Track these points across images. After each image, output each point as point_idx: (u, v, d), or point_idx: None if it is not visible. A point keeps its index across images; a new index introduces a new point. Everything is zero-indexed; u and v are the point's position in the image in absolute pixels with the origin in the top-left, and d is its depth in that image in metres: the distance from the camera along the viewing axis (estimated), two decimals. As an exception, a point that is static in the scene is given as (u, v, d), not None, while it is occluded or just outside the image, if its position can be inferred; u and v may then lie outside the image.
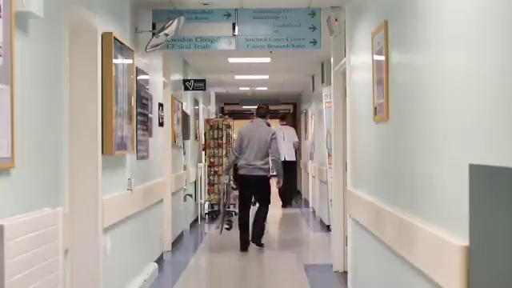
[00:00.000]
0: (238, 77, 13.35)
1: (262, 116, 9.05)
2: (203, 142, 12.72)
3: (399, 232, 3.53)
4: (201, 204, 11.93)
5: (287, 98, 18.46)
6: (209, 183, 12.43)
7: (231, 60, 10.71)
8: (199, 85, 10.38)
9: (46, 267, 3.23)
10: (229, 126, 12.64)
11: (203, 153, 12.71)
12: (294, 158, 14.69)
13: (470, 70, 2.42)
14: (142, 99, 6.17)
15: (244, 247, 8.58)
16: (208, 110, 14.71)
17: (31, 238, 3.05)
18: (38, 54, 3.42)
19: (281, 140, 12.91)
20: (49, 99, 3.60)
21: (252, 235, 8.71)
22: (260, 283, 7.04)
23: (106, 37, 4.86)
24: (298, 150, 15.55)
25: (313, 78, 12.82)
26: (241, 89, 16.21)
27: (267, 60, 10.65)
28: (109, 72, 4.85)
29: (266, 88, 15.93)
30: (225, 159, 12.42)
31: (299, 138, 16.19)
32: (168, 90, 8.45)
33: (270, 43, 6.57)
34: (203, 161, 12.60)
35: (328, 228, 9.17)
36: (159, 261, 7.35)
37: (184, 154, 9.99)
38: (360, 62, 5.30)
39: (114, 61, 4.94)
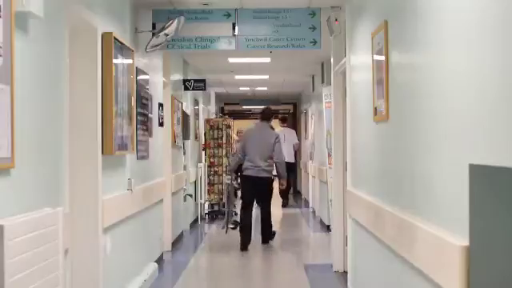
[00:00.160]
0: (237, 77, 13.36)
1: (266, 119, 9.16)
2: (203, 142, 12.72)
3: (399, 232, 3.53)
4: (201, 204, 11.93)
5: (287, 98, 18.46)
6: (209, 183, 12.43)
7: (231, 60, 10.71)
8: (199, 85, 10.38)
9: (46, 267, 3.23)
10: (229, 126, 12.64)
11: (203, 153, 12.71)
12: (293, 160, 14.85)
13: (469, 70, 2.42)
14: (142, 99, 6.17)
15: (244, 246, 8.64)
16: (208, 109, 14.71)
17: (31, 238, 3.05)
18: (38, 54, 3.42)
19: (281, 142, 12.99)
20: (49, 99, 3.60)
21: (262, 235, 9.00)
22: (260, 283, 7.04)
23: (105, 37, 4.86)
24: (297, 152, 15.70)
25: (313, 78, 12.82)
26: (241, 89, 16.21)
27: (267, 60, 10.65)
28: (109, 72, 4.85)
29: (265, 88, 15.93)
30: (225, 159, 12.43)
31: (299, 138, 16.23)
32: (168, 90, 8.45)
33: (270, 43, 6.57)
34: (203, 161, 12.60)
35: (328, 228, 9.17)
36: (159, 261, 7.35)
37: (184, 154, 9.99)
38: (360, 61, 5.30)
39: (114, 61, 4.94)
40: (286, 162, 13.91)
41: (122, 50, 5.24)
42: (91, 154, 4.61)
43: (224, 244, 9.35)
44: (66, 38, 3.94)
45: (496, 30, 2.15)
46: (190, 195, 10.64)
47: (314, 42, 6.55)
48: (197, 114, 12.23)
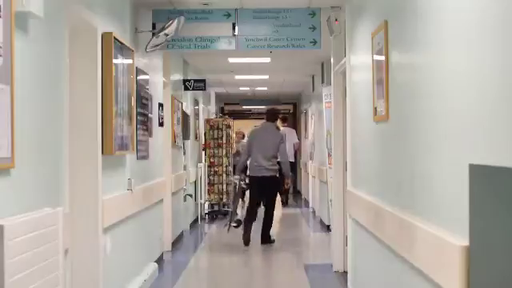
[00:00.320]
0: (237, 77, 13.36)
1: (272, 119, 9.33)
2: (203, 142, 12.72)
3: (399, 232, 3.53)
4: (201, 204, 11.93)
5: (287, 98, 18.46)
6: (209, 183, 12.43)
7: (231, 60, 10.71)
8: (199, 85, 10.38)
9: (46, 267, 3.23)
10: (229, 126, 12.64)
11: (203, 153, 12.71)
12: (293, 159, 14.90)
13: (470, 70, 2.42)
14: (142, 99, 6.17)
15: (247, 242, 8.89)
16: (208, 109, 14.71)
17: (31, 238, 3.05)
18: (38, 54, 3.42)
19: None
20: (49, 99, 3.60)
21: (261, 236, 9.10)
22: (260, 283, 7.04)
23: (105, 37, 4.86)
24: (298, 151, 15.75)
25: (313, 78, 12.82)
26: (241, 89, 16.21)
27: (267, 60, 10.65)
28: (109, 72, 4.85)
29: (265, 88, 15.93)
30: (225, 159, 12.43)
31: (299, 137, 16.24)
32: (168, 90, 8.45)
33: (270, 43, 6.57)
34: (203, 161, 12.60)
35: (328, 228, 9.17)
36: (159, 261, 7.35)
37: (184, 154, 9.99)
38: (360, 61, 5.30)
39: (114, 61, 4.94)
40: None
41: (122, 50, 5.24)
42: (91, 154, 4.61)
43: (224, 244, 9.35)
44: (65, 38, 3.94)
45: (496, 30, 2.15)
46: (190, 195, 10.64)
47: (314, 42, 6.55)
48: (197, 114, 12.23)
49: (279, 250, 8.72)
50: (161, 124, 7.59)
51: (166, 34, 6.13)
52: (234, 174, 12.56)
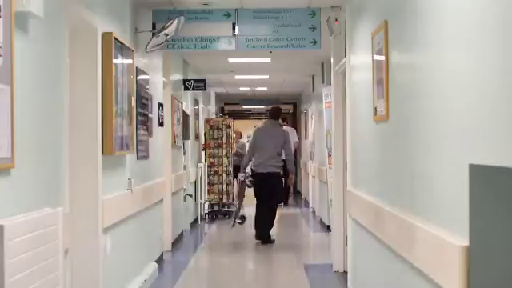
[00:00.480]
0: (237, 77, 13.36)
1: (275, 117, 9.53)
2: (203, 142, 12.72)
3: (399, 232, 3.53)
4: (201, 204, 11.93)
5: (287, 98, 18.46)
6: (209, 183, 12.43)
7: (231, 60, 10.71)
8: (199, 85, 10.38)
9: (46, 267, 3.23)
10: (229, 126, 12.64)
11: (203, 153, 12.71)
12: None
13: (470, 70, 2.42)
14: (142, 99, 6.17)
15: (259, 236, 9.16)
16: (208, 109, 14.71)
17: (31, 238, 3.05)
18: (38, 54, 3.42)
19: None
20: (49, 99, 3.60)
21: (261, 236, 9.21)
22: (260, 283, 7.04)
23: (105, 37, 4.86)
24: (297, 150, 15.76)
25: (313, 78, 12.82)
26: (241, 89, 16.21)
27: (267, 60, 10.65)
28: (109, 72, 4.85)
29: (265, 88, 15.93)
30: (225, 159, 12.44)
31: (299, 137, 16.24)
32: (168, 90, 8.45)
33: (270, 43, 6.57)
34: (203, 161, 12.60)
35: (328, 228, 9.17)
36: (159, 261, 7.35)
37: (184, 154, 9.99)
38: (360, 62, 5.30)
39: (114, 61, 4.94)
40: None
41: (122, 49, 5.24)
42: (91, 154, 4.61)
43: (224, 244, 9.35)
44: (65, 38, 3.94)
45: (496, 30, 2.15)
46: (190, 195, 10.64)
47: (314, 42, 6.55)
48: (197, 114, 12.23)
49: (279, 250, 8.72)
50: (161, 124, 7.59)
51: (166, 34, 6.13)
52: (234, 172, 12.73)
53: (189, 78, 10.49)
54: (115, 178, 5.26)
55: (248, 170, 9.78)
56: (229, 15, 6.54)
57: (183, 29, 6.29)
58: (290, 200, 15.73)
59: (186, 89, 10.23)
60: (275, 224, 9.79)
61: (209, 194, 12.45)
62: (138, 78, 5.98)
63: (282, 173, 9.37)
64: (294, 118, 19.45)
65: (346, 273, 6.36)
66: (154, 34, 6.23)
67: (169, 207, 8.38)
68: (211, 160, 12.47)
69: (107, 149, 4.82)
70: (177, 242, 9.03)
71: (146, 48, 6.20)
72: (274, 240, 9.24)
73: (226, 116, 14.36)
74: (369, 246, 4.73)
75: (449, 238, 2.60)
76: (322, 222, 10.97)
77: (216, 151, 12.48)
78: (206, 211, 12.36)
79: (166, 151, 8.25)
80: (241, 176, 9.98)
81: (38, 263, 3.13)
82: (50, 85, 3.62)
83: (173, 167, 8.70)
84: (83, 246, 4.56)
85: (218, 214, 12.37)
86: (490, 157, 2.20)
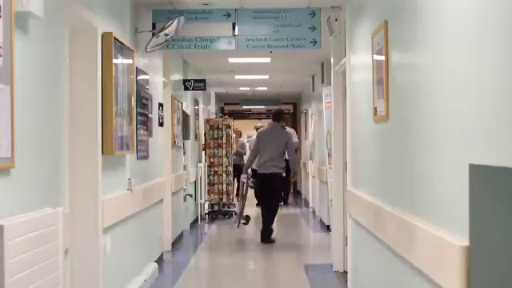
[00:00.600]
0: (237, 77, 13.36)
1: (278, 119, 9.74)
2: (203, 142, 12.72)
3: (399, 232, 3.53)
4: (201, 204, 11.93)
5: (287, 98, 18.46)
6: (209, 183, 12.43)
7: (231, 60, 10.71)
8: (199, 85, 10.39)
9: (46, 267, 3.23)
10: (229, 126, 12.64)
11: (203, 153, 12.71)
12: None
13: (470, 70, 2.42)
14: (142, 99, 6.17)
15: (264, 239, 9.22)
16: (208, 109, 14.71)
17: (31, 238, 3.05)
18: (38, 54, 3.42)
19: None
20: (49, 99, 3.60)
21: (261, 235, 9.34)
22: (260, 283, 7.04)
23: (105, 37, 4.86)
24: (297, 151, 15.75)
25: (313, 78, 12.82)
26: (241, 89, 16.21)
27: (267, 60, 10.65)
28: (109, 72, 4.85)
29: (265, 88, 15.93)
30: (225, 159, 12.44)
31: (299, 137, 16.24)
32: (168, 90, 8.45)
33: (270, 43, 6.57)
34: (203, 161, 12.60)
35: (328, 228, 9.17)
36: (159, 261, 7.35)
37: (184, 154, 9.99)
38: (360, 62, 5.30)
39: (114, 61, 4.94)
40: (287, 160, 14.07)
41: (122, 49, 5.24)
42: (91, 154, 4.61)
43: (224, 244, 9.36)
44: (65, 38, 3.94)
45: (496, 30, 2.15)
46: (190, 195, 10.64)
47: (314, 42, 6.55)
48: (197, 114, 12.23)
49: (279, 250, 8.72)
50: (161, 124, 7.59)
51: (166, 34, 6.13)
52: (234, 171, 12.81)
53: (189, 78, 10.49)
54: (115, 178, 5.26)
55: (249, 171, 9.95)
56: (229, 15, 6.54)
57: (183, 29, 6.29)
58: (290, 200, 15.73)
59: (186, 89, 10.23)
60: (276, 224, 9.82)
61: (209, 194, 12.45)
62: (138, 78, 5.98)
63: (284, 173, 9.56)
64: (294, 118, 19.44)
65: (346, 273, 6.36)
66: (153, 34, 6.22)
67: (169, 207, 8.38)
68: (211, 160, 12.47)
69: (107, 149, 4.82)
70: (177, 242, 9.03)
71: (146, 48, 6.20)
72: (274, 240, 9.28)
73: (226, 116, 14.36)
74: (369, 246, 4.73)
75: (449, 238, 2.60)
76: (321, 222, 10.97)
77: (216, 151, 12.48)
78: (206, 211, 12.36)
79: (166, 151, 8.25)
80: (243, 177, 10.13)
81: (38, 263, 3.13)
82: (49, 85, 3.62)
83: (173, 167, 8.70)
84: (83, 246, 4.56)
85: (218, 213, 12.37)
86: (490, 157, 2.20)
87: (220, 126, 12.54)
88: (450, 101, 2.68)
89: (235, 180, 14.41)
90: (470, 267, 2.36)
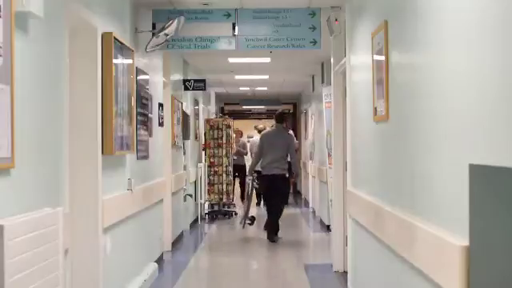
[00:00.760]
0: (237, 77, 13.35)
1: (280, 121, 9.95)
2: (203, 142, 12.72)
3: (399, 232, 3.54)
4: (201, 204, 11.93)
5: (287, 98, 18.46)
6: (209, 183, 12.43)
7: (231, 60, 10.71)
8: (199, 85, 10.39)
9: (46, 267, 3.23)
10: (229, 126, 12.64)
11: (203, 153, 12.71)
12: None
13: (470, 70, 2.42)
14: (142, 99, 6.17)
15: (271, 239, 9.42)
16: (208, 109, 14.71)
17: (31, 238, 3.05)
18: (38, 54, 3.42)
19: None
20: (49, 99, 3.60)
21: (267, 232, 9.59)
22: (260, 283, 7.04)
23: (105, 37, 4.86)
24: (297, 151, 15.76)
25: (313, 78, 12.82)
26: (241, 89, 16.21)
27: (267, 60, 10.65)
28: (109, 72, 4.85)
29: (265, 88, 15.93)
30: (225, 159, 12.44)
31: (299, 138, 16.24)
32: (168, 90, 8.45)
33: (270, 43, 6.57)
34: (203, 161, 12.60)
35: (328, 228, 9.17)
36: (159, 261, 7.35)
37: (184, 154, 9.99)
38: (360, 62, 5.30)
39: (114, 61, 4.94)
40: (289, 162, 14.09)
41: (122, 50, 5.24)
42: (91, 154, 4.61)
43: (224, 244, 9.35)
44: (65, 38, 3.94)
45: (496, 30, 2.15)
46: (190, 195, 10.64)
47: (314, 42, 6.55)
48: (197, 114, 12.23)
49: (279, 250, 8.72)
50: (161, 124, 7.59)
51: (166, 34, 6.13)
52: (234, 171, 12.95)
53: (189, 78, 10.49)
54: (115, 178, 5.26)
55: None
56: (229, 15, 6.54)
57: (183, 29, 6.29)
58: (290, 200, 15.72)
59: (186, 89, 10.23)
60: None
61: (209, 194, 12.45)
62: (138, 78, 5.98)
63: (287, 174, 9.77)
64: (294, 118, 19.44)
65: (346, 273, 6.36)
66: (153, 34, 6.22)
67: (169, 207, 8.38)
68: (211, 160, 12.47)
69: (107, 149, 4.82)
70: (177, 242, 9.03)
71: (146, 48, 6.20)
72: (278, 238, 9.48)
73: (226, 116, 14.36)
74: (369, 245, 4.73)
75: (449, 238, 2.60)
76: (321, 222, 10.97)
77: (216, 151, 12.48)
78: (206, 211, 12.36)
79: (166, 151, 8.25)
80: (248, 179, 10.26)
81: (38, 263, 3.13)
82: (50, 85, 3.62)
83: (173, 167, 8.70)
84: (83, 246, 4.56)
85: (217, 213, 12.37)
86: (490, 157, 2.20)
87: (220, 126, 12.54)
88: (450, 101, 2.68)
89: (235, 180, 14.41)
90: (470, 267, 2.36)
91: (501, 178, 2.01)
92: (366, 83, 4.79)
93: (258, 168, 9.99)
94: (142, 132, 6.19)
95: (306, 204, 14.60)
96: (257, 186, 10.09)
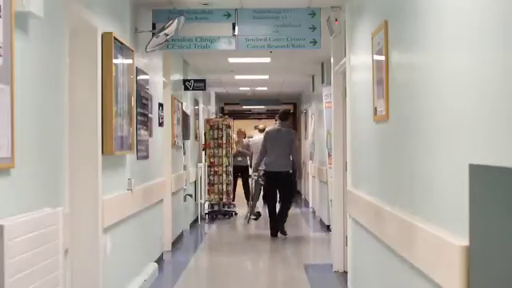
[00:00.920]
0: (237, 77, 13.35)
1: (284, 119, 10.08)
2: (203, 142, 12.72)
3: (399, 232, 3.54)
4: (201, 204, 11.93)
5: (287, 98, 18.46)
6: (209, 183, 12.43)
7: (231, 60, 10.71)
8: (199, 85, 10.39)
9: (45, 267, 3.23)
10: (229, 126, 12.64)
11: (203, 153, 12.71)
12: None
13: (470, 70, 2.42)
14: (142, 99, 6.18)
15: (273, 234, 9.71)
16: (208, 109, 14.71)
17: (31, 238, 3.05)
18: (38, 54, 3.42)
19: None
20: (49, 99, 3.60)
21: (277, 227, 9.80)
22: (260, 283, 7.04)
23: (105, 37, 4.86)
24: (297, 150, 15.81)
25: (313, 78, 12.82)
26: (241, 89, 16.21)
27: (267, 60, 10.65)
28: (109, 72, 4.85)
29: (265, 88, 15.93)
30: (225, 159, 12.44)
31: (299, 137, 16.23)
32: (168, 90, 8.45)
33: (270, 43, 6.57)
34: (203, 161, 12.60)
35: (328, 228, 9.17)
36: (159, 261, 7.35)
37: (184, 154, 9.99)
38: (360, 62, 5.30)
39: (114, 61, 4.94)
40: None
41: (122, 50, 5.24)
42: (91, 154, 4.61)
43: (224, 244, 9.36)
44: (66, 38, 3.94)
45: (496, 30, 2.15)
46: (190, 195, 10.64)
47: (314, 42, 6.55)
48: (197, 114, 12.23)
49: (279, 250, 8.72)
50: (161, 124, 7.59)
51: (166, 34, 6.13)
52: (235, 172, 13.10)
53: (189, 78, 10.49)
54: (115, 178, 5.26)
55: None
56: (229, 15, 6.54)
57: (183, 29, 6.29)
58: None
59: (186, 89, 10.23)
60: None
61: (209, 194, 12.45)
62: (138, 78, 5.98)
63: (291, 172, 9.89)
64: (294, 118, 19.44)
65: (345, 273, 6.36)
66: (153, 34, 6.22)
67: (169, 207, 8.38)
68: (211, 160, 12.47)
69: (107, 149, 4.82)
70: (177, 242, 9.03)
71: (146, 48, 6.20)
72: (285, 232, 9.80)
73: (226, 116, 14.36)
74: (369, 245, 4.73)
75: (449, 238, 2.60)
76: (321, 222, 10.97)
77: (216, 151, 12.48)
78: (206, 211, 12.36)
79: (166, 151, 8.25)
80: (254, 175, 10.35)
81: (38, 263, 3.13)
82: (49, 85, 3.62)
83: (173, 167, 8.70)
84: (83, 246, 4.56)
85: (217, 213, 12.37)
86: (490, 157, 2.20)
87: (220, 126, 12.53)
88: (450, 101, 2.68)
89: (237, 180, 14.41)
90: (470, 267, 2.36)
91: (501, 178, 2.01)
92: (366, 83, 4.79)
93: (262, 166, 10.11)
94: (142, 132, 6.19)
95: (306, 204, 14.61)
96: (262, 183, 10.20)
